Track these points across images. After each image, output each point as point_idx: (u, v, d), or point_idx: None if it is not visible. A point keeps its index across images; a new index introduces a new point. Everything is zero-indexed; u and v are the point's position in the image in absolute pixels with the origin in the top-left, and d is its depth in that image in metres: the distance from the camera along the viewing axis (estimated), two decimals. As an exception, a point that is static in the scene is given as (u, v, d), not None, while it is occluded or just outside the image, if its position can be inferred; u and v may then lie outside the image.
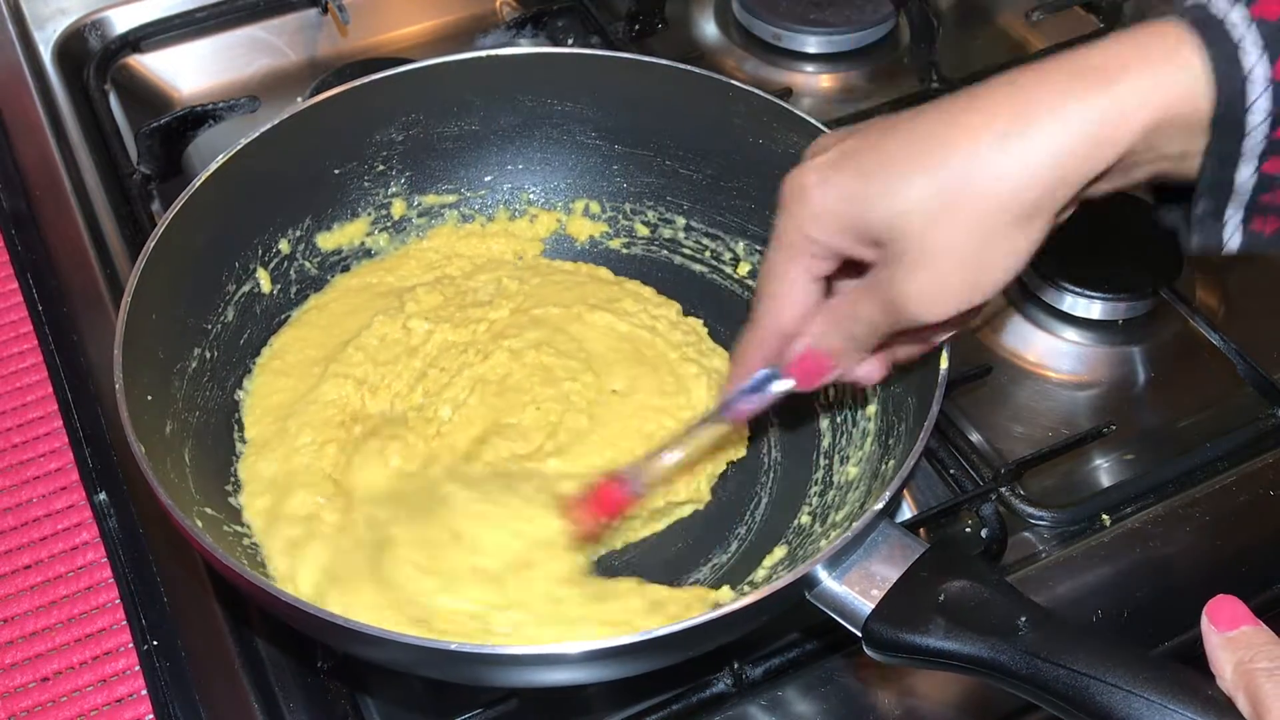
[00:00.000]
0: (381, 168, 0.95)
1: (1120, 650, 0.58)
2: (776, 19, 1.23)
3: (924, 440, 0.70)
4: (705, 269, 0.97)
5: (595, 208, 0.99)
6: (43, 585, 0.80)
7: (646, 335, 0.91)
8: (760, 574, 0.80)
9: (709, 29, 1.28)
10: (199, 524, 0.71)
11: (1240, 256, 0.62)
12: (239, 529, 0.78)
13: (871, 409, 0.83)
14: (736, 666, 0.75)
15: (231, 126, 1.12)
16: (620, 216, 0.98)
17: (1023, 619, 0.61)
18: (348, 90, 0.90)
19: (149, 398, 0.75)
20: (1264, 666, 0.54)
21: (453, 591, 0.73)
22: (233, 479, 0.81)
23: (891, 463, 0.77)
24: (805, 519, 0.82)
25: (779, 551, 0.81)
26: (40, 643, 0.77)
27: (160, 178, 1.08)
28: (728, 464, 0.87)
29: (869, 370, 0.69)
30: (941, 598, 0.63)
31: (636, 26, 1.22)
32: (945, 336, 0.69)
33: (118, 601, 0.79)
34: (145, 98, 1.18)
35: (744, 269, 0.95)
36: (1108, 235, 1.00)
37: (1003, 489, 0.85)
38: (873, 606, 0.65)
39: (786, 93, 1.13)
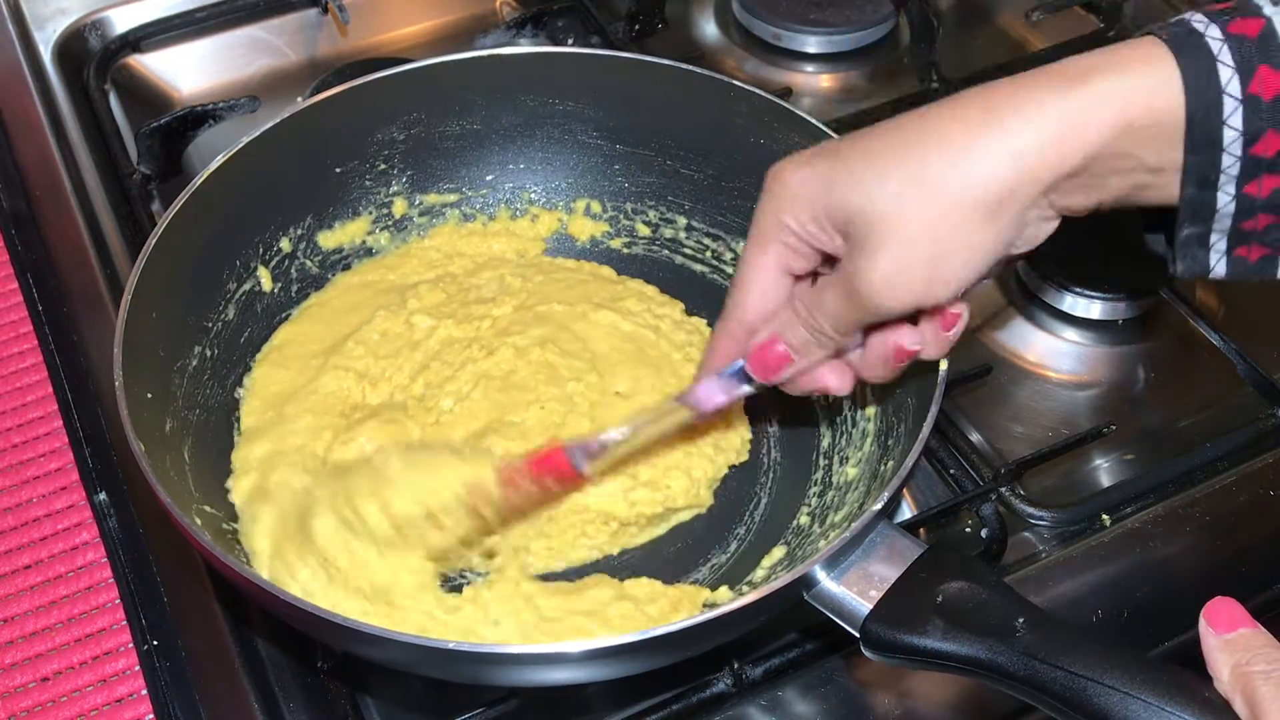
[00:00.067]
0: (383, 166, 0.95)
1: (1118, 652, 0.58)
2: (776, 19, 1.23)
3: (923, 441, 0.70)
4: (706, 269, 0.97)
5: (596, 207, 0.99)
6: (43, 585, 0.80)
7: (650, 335, 0.91)
8: (759, 574, 0.80)
9: (709, 29, 1.28)
10: (198, 522, 0.71)
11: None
12: (236, 526, 0.78)
13: (871, 409, 0.83)
14: (736, 666, 0.75)
15: (231, 126, 1.12)
16: (621, 216, 0.98)
17: (1020, 620, 0.61)
18: (348, 90, 0.90)
19: (149, 396, 0.76)
20: (1261, 669, 0.54)
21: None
22: (230, 473, 0.81)
23: (891, 463, 0.77)
24: (804, 519, 0.82)
25: (778, 552, 0.81)
26: (40, 643, 0.77)
27: (160, 178, 1.08)
28: (729, 468, 0.87)
29: (839, 380, 0.69)
30: (939, 599, 0.63)
31: (636, 26, 1.22)
32: (910, 348, 0.66)
33: (118, 601, 0.79)
34: (145, 98, 1.18)
35: (744, 269, 0.95)
36: (1108, 235, 1.00)
37: (1003, 489, 0.85)
38: (871, 607, 0.65)
39: (786, 93, 1.13)
